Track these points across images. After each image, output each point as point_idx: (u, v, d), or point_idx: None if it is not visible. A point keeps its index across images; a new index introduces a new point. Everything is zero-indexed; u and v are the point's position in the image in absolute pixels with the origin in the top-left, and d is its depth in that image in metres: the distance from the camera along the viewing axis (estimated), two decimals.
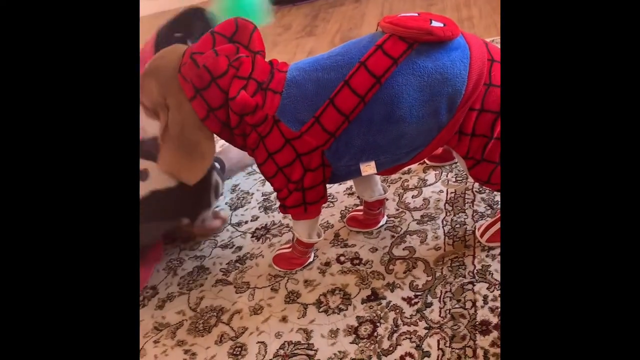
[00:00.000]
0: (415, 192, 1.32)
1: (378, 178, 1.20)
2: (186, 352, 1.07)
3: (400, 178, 1.39)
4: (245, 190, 1.55)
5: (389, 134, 0.95)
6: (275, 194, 1.11)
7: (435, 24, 0.92)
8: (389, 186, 1.37)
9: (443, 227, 1.18)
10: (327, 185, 1.42)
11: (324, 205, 1.09)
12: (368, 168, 1.00)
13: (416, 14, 0.95)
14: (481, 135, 0.95)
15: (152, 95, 1.04)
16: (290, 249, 1.20)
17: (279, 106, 0.97)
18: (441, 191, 1.30)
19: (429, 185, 1.33)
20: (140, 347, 1.12)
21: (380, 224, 1.24)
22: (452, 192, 1.28)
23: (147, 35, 1.32)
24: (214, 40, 1.02)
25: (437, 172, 1.37)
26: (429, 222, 1.21)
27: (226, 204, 1.51)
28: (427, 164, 1.40)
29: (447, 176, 1.34)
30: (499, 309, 0.94)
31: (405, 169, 1.41)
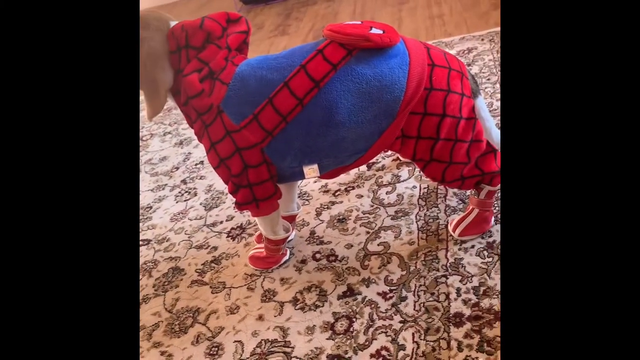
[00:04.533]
0: (389, 189, 1.33)
1: (296, 195, 1.23)
2: (162, 353, 1.06)
3: (375, 175, 1.40)
4: (220, 190, 1.54)
5: (329, 138, 0.97)
6: None
7: (374, 31, 0.94)
8: (364, 183, 1.38)
9: (417, 222, 1.20)
10: (302, 183, 1.44)
11: (279, 200, 1.09)
12: (311, 171, 1.02)
13: (359, 22, 0.97)
14: (427, 138, 0.97)
15: None
16: (264, 249, 1.20)
17: (224, 97, 0.98)
18: (414, 187, 1.31)
19: (403, 181, 1.35)
20: None
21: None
22: (425, 188, 1.30)
23: None
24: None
25: (411, 168, 1.38)
26: (402, 218, 1.22)
27: (201, 204, 1.50)
28: (400, 161, 1.42)
29: (420, 172, 1.35)
30: (472, 301, 0.96)
31: (379, 165, 1.43)
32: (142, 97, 1.98)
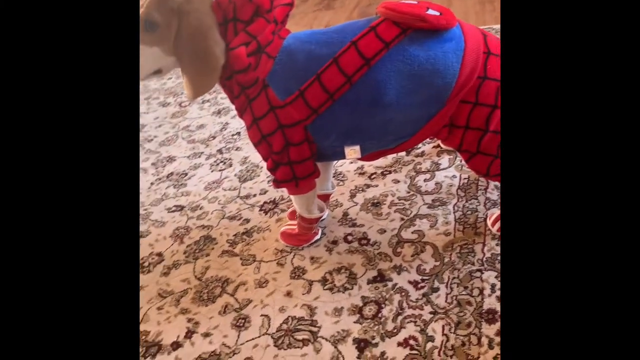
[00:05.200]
0: (427, 176, 1.31)
1: (331, 174, 1.21)
2: (189, 320, 1.07)
3: (413, 160, 1.37)
4: (255, 163, 1.54)
5: (375, 119, 0.94)
6: None
7: (431, 12, 0.90)
8: (401, 168, 1.36)
9: (454, 212, 1.17)
10: (338, 163, 1.42)
11: (316, 179, 1.07)
12: (352, 152, 1.00)
13: (415, 2, 0.93)
14: (476, 129, 0.93)
15: (164, 3, 0.95)
16: (296, 226, 1.19)
17: (270, 71, 0.96)
18: (454, 176, 1.28)
19: (442, 169, 1.32)
20: (144, 313, 1.12)
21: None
22: (465, 178, 1.26)
23: None
24: None
25: (451, 156, 1.35)
26: (440, 207, 1.19)
27: (235, 175, 1.50)
28: (441, 148, 1.38)
29: (461, 161, 1.32)
30: None
31: (419, 151, 1.40)
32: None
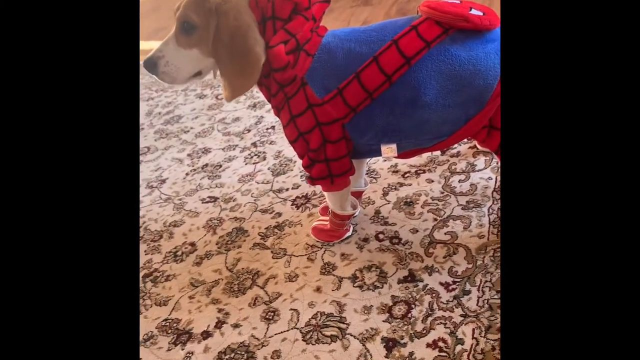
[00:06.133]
0: (462, 177, 1.29)
1: (364, 171, 1.21)
2: (220, 310, 1.09)
3: (448, 160, 1.36)
4: (289, 157, 1.54)
5: (413, 119, 0.93)
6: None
7: (474, 12, 0.89)
8: (436, 168, 1.34)
9: (489, 215, 1.15)
10: (372, 160, 1.42)
11: (351, 176, 1.07)
12: (389, 150, 0.99)
13: (458, 1, 0.92)
14: None
15: (202, 4, 0.96)
16: (328, 222, 1.19)
17: (309, 69, 0.96)
18: (490, 178, 1.26)
19: (478, 170, 1.30)
20: (176, 301, 1.14)
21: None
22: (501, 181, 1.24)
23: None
24: None
25: (487, 158, 1.33)
26: (474, 209, 1.18)
27: (269, 169, 1.51)
28: (477, 149, 1.36)
29: (497, 163, 1.30)
30: None
31: (454, 151, 1.38)
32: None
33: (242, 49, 0.94)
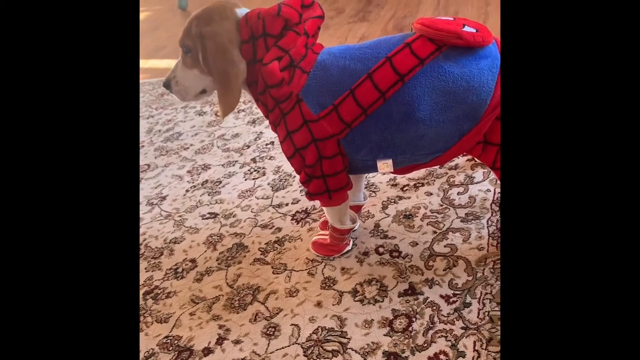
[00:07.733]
0: (461, 189, 1.29)
1: (363, 185, 1.22)
2: (220, 327, 1.09)
3: (447, 173, 1.36)
4: (288, 172, 1.55)
5: (407, 134, 0.94)
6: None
7: (467, 29, 0.90)
8: (434, 180, 1.35)
9: (488, 227, 1.15)
10: (370, 174, 1.42)
11: (349, 191, 1.08)
12: (385, 166, 1.00)
13: (451, 19, 0.93)
14: None
15: (190, 30, 1.02)
16: (328, 236, 1.20)
17: (304, 85, 0.97)
18: (488, 190, 1.27)
19: (476, 183, 1.30)
20: (177, 318, 1.14)
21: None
22: (499, 193, 1.25)
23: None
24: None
25: (486, 170, 1.33)
26: (473, 221, 1.18)
27: (268, 184, 1.52)
28: (475, 161, 1.37)
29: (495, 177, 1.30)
30: None
31: (452, 164, 1.39)
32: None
33: (221, 69, 0.99)
